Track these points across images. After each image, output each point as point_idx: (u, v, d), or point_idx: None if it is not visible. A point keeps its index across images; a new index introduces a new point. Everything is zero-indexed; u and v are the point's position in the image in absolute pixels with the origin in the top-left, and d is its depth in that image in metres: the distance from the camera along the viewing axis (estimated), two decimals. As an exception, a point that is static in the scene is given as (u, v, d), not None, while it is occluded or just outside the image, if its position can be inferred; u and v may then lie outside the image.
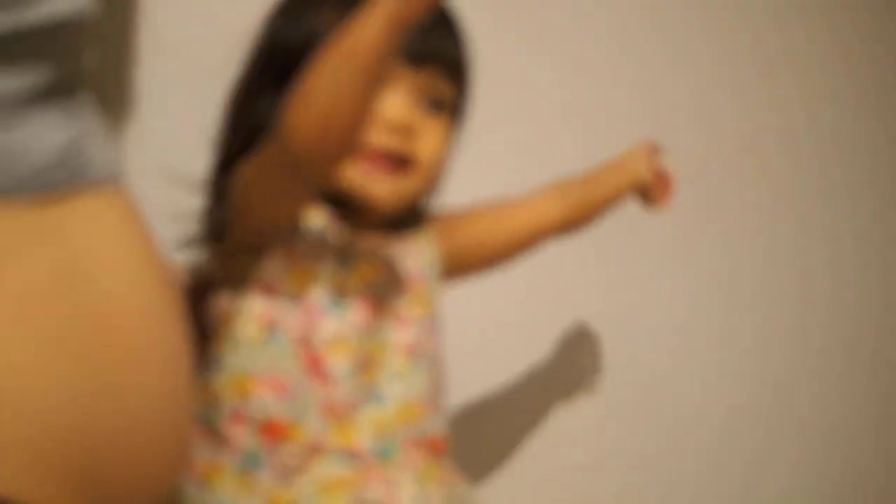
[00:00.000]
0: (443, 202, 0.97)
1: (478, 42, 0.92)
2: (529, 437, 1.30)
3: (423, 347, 0.87)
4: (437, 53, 0.86)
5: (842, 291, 1.47)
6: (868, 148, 1.50)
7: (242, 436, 0.82)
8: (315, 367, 0.82)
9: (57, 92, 0.66)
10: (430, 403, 0.86)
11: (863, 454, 1.49)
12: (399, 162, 0.85)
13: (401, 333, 0.86)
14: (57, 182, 0.65)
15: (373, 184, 0.84)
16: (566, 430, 1.31)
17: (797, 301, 1.45)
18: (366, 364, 0.83)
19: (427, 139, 0.86)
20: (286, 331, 0.82)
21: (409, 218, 0.90)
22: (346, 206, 0.86)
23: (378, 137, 0.83)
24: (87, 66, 0.71)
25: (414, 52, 0.83)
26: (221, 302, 0.85)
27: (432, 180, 0.89)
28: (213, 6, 1.05)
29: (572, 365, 1.31)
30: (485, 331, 1.23)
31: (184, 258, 0.90)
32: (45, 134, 0.65)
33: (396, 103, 0.84)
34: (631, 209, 1.06)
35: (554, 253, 1.08)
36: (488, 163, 1.18)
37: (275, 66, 0.85)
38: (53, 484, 0.59)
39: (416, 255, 0.89)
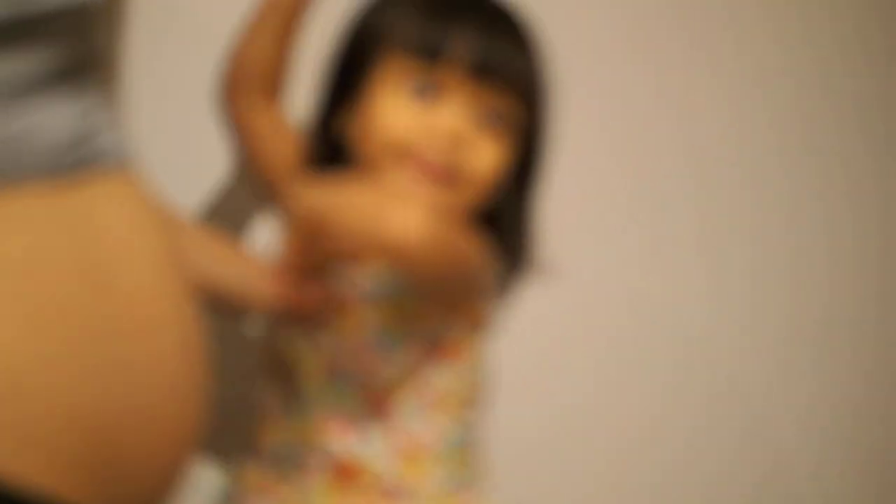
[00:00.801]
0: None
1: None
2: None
3: None
4: (502, 70, 0.84)
5: (867, 286, 1.47)
6: None
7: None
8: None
9: (66, 76, 0.66)
10: None
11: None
12: (444, 174, 0.83)
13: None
14: (68, 167, 0.65)
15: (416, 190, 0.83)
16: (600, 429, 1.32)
17: (825, 294, 1.45)
18: None
19: (478, 154, 0.84)
20: None
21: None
22: None
23: (425, 145, 0.82)
24: (97, 49, 0.71)
25: (477, 65, 0.82)
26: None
27: (477, 195, 0.85)
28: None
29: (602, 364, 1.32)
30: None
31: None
32: (55, 119, 0.64)
33: (451, 113, 0.83)
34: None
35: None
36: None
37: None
38: (65, 466, 0.59)
39: None
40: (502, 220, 0.87)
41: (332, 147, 0.86)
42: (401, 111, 0.83)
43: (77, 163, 0.66)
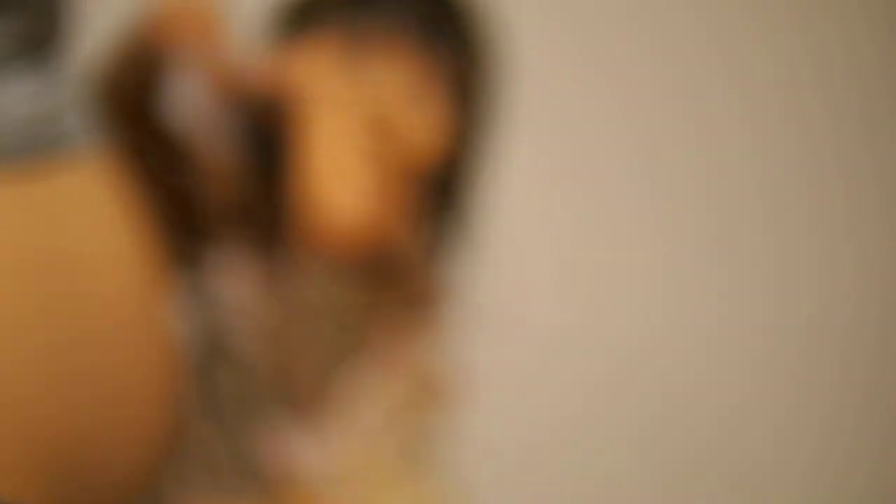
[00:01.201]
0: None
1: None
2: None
3: None
4: (415, 22, 0.81)
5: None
6: None
7: None
8: None
9: (24, 51, 0.62)
10: None
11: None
12: (402, 169, 0.81)
13: None
14: (27, 151, 0.61)
15: None
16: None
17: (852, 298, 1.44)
18: None
19: (420, 124, 0.80)
20: None
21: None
22: None
23: (373, 146, 0.80)
24: (62, 24, 0.67)
25: (386, 25, 0.81)
26: None
27: (432, 177, 0.83)
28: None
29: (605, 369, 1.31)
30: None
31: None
32: (12, 93, 0.61)
33: (379, 86, 0.81)
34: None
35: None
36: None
37: None
38: (25, 481, 0.57)
39: None
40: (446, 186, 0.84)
41: None
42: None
43: (37, 146, 0.62)
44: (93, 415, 0.60)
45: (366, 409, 0.81)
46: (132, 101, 0.76)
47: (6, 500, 0.54)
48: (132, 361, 0.63)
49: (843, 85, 1.41)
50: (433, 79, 0.80)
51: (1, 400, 0.55)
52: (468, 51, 0.84)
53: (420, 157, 0.80)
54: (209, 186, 0.79)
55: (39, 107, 0.62)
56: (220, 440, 0.82)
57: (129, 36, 0.76)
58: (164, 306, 0.67)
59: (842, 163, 1.42)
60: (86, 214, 0.63)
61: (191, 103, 0.76)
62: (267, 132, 0.78)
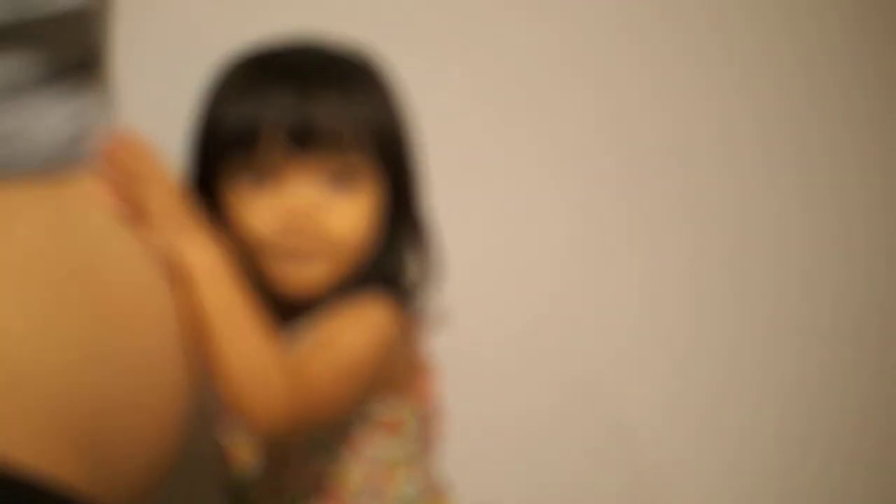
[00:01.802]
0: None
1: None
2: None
3: None
4: (318, 134, 0.80)
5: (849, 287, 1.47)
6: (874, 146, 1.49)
7: None
8: None
9: (60, 78, 0.69)
10: None
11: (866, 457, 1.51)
12: (315, 254, 0.82)
13: None
14: (61, 164, 0.68)
15: (283, 276, 0.82)
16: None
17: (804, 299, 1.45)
18: None
19: (337, 218, 0.82)
20: None
21: (338, 296, 0.84)
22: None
23: (280, 237, 0.81)
24: (90, 51, 0.74)
25: (294, 140, 0.79)
26: None
27: (351, 256, 0.83)
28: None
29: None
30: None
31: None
32: (49, 118, 0.68)
33: (293, 194, 0.81)
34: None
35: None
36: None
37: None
38: (56, 447, 0.62)
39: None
40: (395, 254, 0.86)
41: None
42: (252, 208, 0.81)
43: (70, 160, 0.69)
44: (117, 392, 0.66)
45: (372, 484, 0.86)
46: None
47: (31, 472, 0.59)
48: (152, 348, 0.69)
49: (801, 85, 1.42)
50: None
51: (38, 375, 0.61)
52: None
53: (355, 241, 0.82)
54: None
55: (72, 125, 0.69)
56: None
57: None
58: (169, 301, 0.72)
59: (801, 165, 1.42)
60: (105, 214, 0.70)
61: None
62: None
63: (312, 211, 0.80)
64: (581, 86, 1.30)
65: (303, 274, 0.81)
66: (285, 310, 0.83)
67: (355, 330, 0.80)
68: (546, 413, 1.31)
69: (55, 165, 0.67)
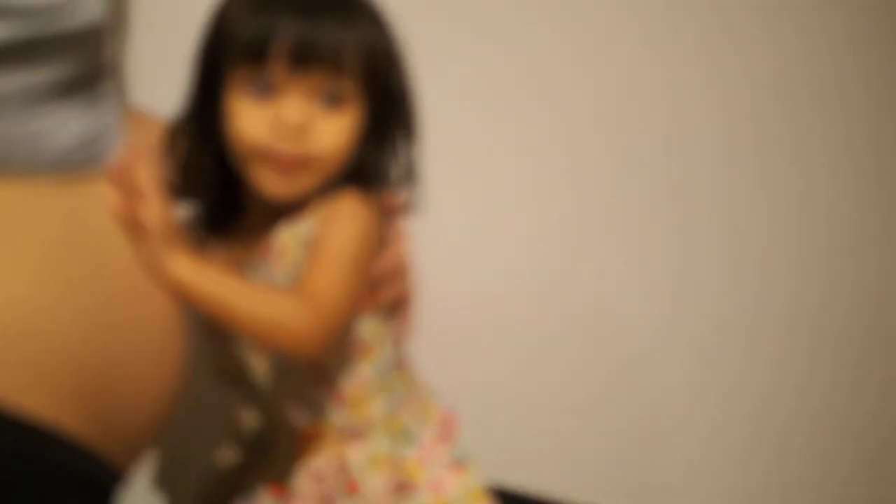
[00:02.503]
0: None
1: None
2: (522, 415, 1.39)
3: None
4: (321, 54, 0.89)
5: (839, 275, 1.53)
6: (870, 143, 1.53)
7: None
8: None
9: (76, 87, 0.79)
10: None
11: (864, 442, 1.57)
12: (295, 162, 0.91)
13: None
14: (75, 164, 0.78)
15: (268, 182, 0.91)
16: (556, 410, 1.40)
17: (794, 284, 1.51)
18: None
19: (323, 135, 0.91)
20: None
21: (305, 202, 0.94)
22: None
23: (272, 141, 0.90)
24: (105, 62, 0.83)
25: (297, 58, 0.88)
26: None
27: (331, 168, 0.93)
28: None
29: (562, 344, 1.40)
30: (469, 306, 1.33)
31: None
32: (65, 123, 0.77)
33: (289, 107, 0.90)
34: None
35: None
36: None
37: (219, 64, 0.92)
38: (60, 395, 0.73)
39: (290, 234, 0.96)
40: (376, 166, 0.95)
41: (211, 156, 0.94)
42: (249, 116, 0.90)
43: (84, 161, 0.79)
44: (116, 351, 0.77)
45: (350, 358, 0.97)
46: None
47: (37, 421, 0.71)
48: (147, 317, 0.81)
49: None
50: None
51: (46, 332, 0.72)
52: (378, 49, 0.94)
53: (337, 157, 0.92)
54: None
55: (86, 129, 0.79)
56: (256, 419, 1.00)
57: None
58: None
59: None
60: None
61: None
62: None
63: (303, 123, 0.89)
64: (572, 71, 1.36)
65: (290, 183, 0.91)
66: (270, 211, 0.93)
67: (343, 229, 0.91)
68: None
69: (72, 165, 0.77)
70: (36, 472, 0.71)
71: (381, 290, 0.97)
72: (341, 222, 0.91)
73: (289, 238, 0.93)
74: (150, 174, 0.84)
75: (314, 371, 0.96)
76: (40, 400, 0.72)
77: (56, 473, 0.72)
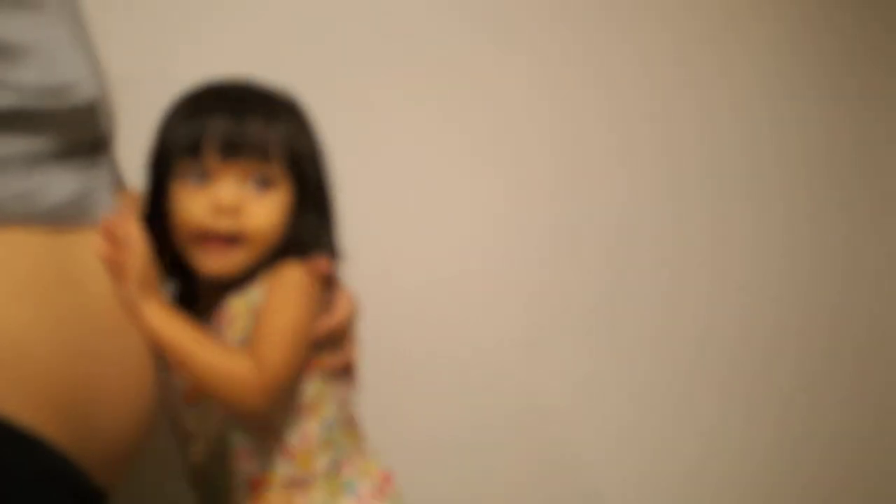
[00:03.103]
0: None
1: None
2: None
3: None
4: (248, 145, 1.02)
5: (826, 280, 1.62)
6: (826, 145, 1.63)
7: None
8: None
9: (72, 153, 0.89)
10: None
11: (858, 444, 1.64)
12: (231, 240, 1.02)
13: None
14: (67, 218, 0.88)
15: (208, 261, 1.03)
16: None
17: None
18: None
19: (255, 214, 1.03)
20: None
21: (249, 275, 1.04)
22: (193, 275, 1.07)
23: (211, 220, 1.02)
24: (101, 134, 0.94)
25: (226, 150, 1.01)
26: None
27: (265, 245, 1.04)
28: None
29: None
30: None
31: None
32: (60, 182, 0.87)
33: (223, 189, 1.02)
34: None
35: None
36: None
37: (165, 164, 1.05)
38: (42, 409, 0.81)
39: (240, 302, 1.05)
40: (308, 237, 1.07)
41: (163, 242, 1.04)
42: (189, 202, 1.03)
43: (75, 216, 0.89)
44: (97, 373, 0.85)
45: (297, 416, 1.05)
46: None
47: (28, 430, 0.78)
48: (126, 350, 0.90)
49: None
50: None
51: (36, 353, 0.80)
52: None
53: (270, 233, 1.04)
54: None
55: (78, 189, 0.88)
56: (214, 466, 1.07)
57: None
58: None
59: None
60: (98, 260, 0.91)
61: None
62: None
63: (236, 204, 1.02)
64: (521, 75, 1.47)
65: (227, 260, 1.03)
66: (218, 285, 1.05)
67: (285, 297, 1.02)
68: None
69: (64, 219, 0.86)
70: (22, 475, 0.78)
71: (326, 354, 1.07)
72: (283, 290, 1.02)
73: (239, 306, 1.04)
74: (134, 228, 0.95)
75: (263, 426, 1.05)
76: (18, 408, 0.79)
77: (42, 477, 0.80)
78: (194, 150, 1.02)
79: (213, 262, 1.03)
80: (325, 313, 1.06)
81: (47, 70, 0.85)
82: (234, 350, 1.00)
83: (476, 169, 1.48)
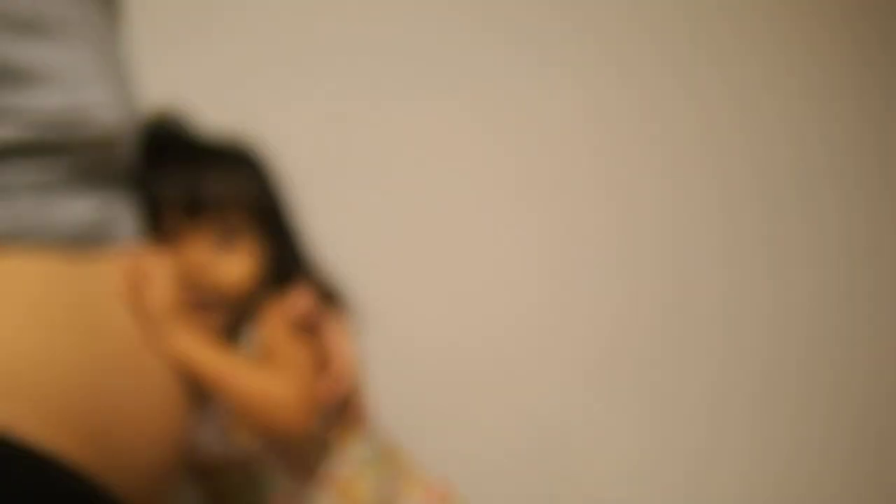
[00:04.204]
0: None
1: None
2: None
3: None
4: (209, 203, 1.01)
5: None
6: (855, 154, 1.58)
7: None
8: None
9: (87, 180, 0.88)
10: None
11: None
12: (210, 303, 1.01)
13: None
14: (82, 243, 0.86)
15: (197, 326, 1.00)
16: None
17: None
18: None
19: (226, 272, 1.01)
20: None
21: (237, 326, 1.04)
22: None
23: (185, 289, 0.99)
24: (120, 161, 0.93)
25: (185, 208, 1.00)
26: None
27: (242, 300, 1.03)
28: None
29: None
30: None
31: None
32: (74, 208, 0.85)
33: (192, 252, 1.00)
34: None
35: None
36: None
37: None
38: (59, 432, 0.78)
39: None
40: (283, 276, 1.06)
41: None
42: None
43: (91, 241, 0.87)
44: (112, 396, 0.83)
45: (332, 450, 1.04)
46: None
47: (48, 452, 0.76)
48: (150, 385, 0.88)
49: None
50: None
51: (52, 381, 0.78)
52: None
53: (244, 287, 1.03)
54: None
55: (95, 215, 0.87)
56: None
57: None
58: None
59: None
60: (116, 283, 0.89)
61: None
62: None
63: (203, 267, 1.00)
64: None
65: (206, 322, 1.01)
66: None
67: (273, 333, 1.01)
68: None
69: (79, 244, 0.85)
70: (46, 497, 0.76)
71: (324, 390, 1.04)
72: (268, 330, 1.02)
73: (242, 349, 1.03)
74: (156, 260, 0.94)
75: (301, 463, 1.03)
76: (36, 432, 0.77)
77: (68, 500, 0.77)
78: (153, 210, 1.00)
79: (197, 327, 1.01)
80: (324, 372, 1.03)
81: (60, 96, 0.84)
82: (268, 371, 0.99)
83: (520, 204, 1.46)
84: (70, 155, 0.85)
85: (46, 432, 0.77)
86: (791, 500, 1.52)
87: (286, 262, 1.07)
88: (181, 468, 0.97)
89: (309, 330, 1.03)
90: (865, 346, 1.57)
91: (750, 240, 1.53)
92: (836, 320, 1.56)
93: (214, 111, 1.10)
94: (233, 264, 1.02)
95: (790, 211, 1.55)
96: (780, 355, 1.53)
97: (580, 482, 1.45)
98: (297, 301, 1.02)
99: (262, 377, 0.97)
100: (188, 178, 1.01)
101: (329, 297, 1.07)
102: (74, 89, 0.85)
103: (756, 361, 1.52)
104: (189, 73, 1.27)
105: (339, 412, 1.06)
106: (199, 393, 0.97)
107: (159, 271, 0.95)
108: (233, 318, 1.03)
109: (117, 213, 0.91)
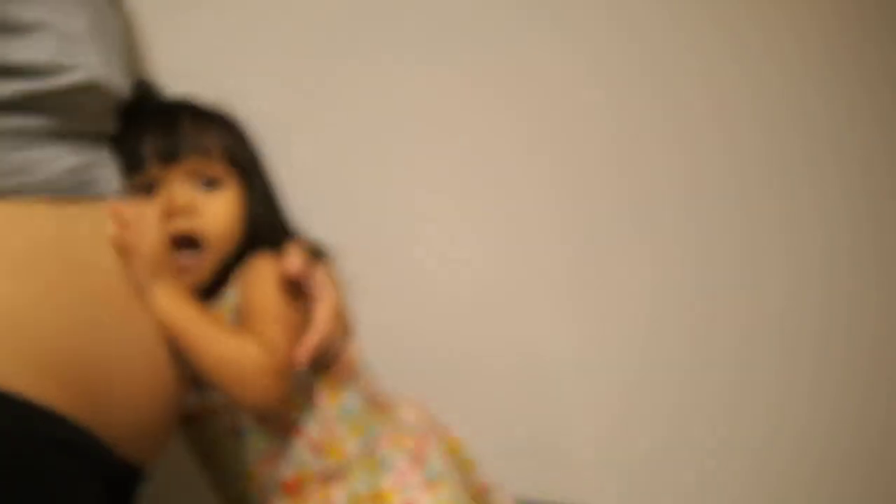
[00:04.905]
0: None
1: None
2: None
3: None
4: (186, 146, 1.03)
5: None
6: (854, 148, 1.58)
7: None
8: None
9: (70, 130, 0.89)
10: None
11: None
12: (191, 243, 1.01)
13: None
14: (64, 191, 0.87)
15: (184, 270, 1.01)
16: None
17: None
18: None
19: (209, 212, 1.03)
20: None
21: (221, 280, 1.04)
22: None
23: (170, 223, 1.00)
24: (98, 118, 0.94)
25: (166, 155, 1.02)
26: None
27: (226, 244, 1.03)
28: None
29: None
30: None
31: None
32: (57, 156, 0.88)
33: (175, 191, 1.01)
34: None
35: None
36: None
37: None
38: (51, 382, 0.79)
39: (222, 307, 1.03)
40: (266, 231, 1.06)
41: None
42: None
43: (74, 188, 0.88)
44: (108, 351, 0.85)
45: (314, 406, 1.02)
46: None
47: (35, 400, 0.77)
48: (138, 326, 0.89)
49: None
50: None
51: (30, 326, 0.79)
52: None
53: (229, 228, 1.03)
54: None
55: (74, 162, 0.89)
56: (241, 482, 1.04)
57: None
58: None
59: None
60: (99, 232, 0.90)
61: None
62: None
63: (188, 201, 1.01)
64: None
65: (193, 272, 1.01)
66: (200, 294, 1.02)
67: (260, 291, 0.99)
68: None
69: (62, 191, 0.86)
70: (38, 445, 0.77)
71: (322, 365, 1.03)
72: (257, 285, 1.00)
73: (221, 311, 1.01)
74: (149, 210, 0.95)
75: (283, 424, 1.01)
76: (17, 376, 0.78)
77: (61, 447, 0.79)
78: (135, 166, 1.01)
79: (181, 278, 1.00)
80: (308, 325, 1.02)
81: (48, 50, 0.87)
82: (244, 334, 0.96)
83: (531, 167, 1.45)
84: (53, 106, 0.87)
85: (32, 382, 0.78)
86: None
87: (267, 218, 1.07)
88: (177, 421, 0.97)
89: (299, 289, 1.03)
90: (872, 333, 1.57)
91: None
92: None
93: (197, 85, 1.12)
94: (217, 203, 1.04)
95: (800, 178, 1.55)
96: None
97: (561, 404, 1.45)
98: (292, 260, 1.01)
99: (237, 343, 0.95)
100: (164, 129, 1.03)
101: (316, 255, 1.06)
102: (58, 43, 0.88)
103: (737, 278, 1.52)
104: (171, 47, 1.27)
105: (327, 362, 1.05)
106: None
107: (148, 212, 0.96)
108: (214, 273, 1.03)
109: (101, 165, 0.93)
